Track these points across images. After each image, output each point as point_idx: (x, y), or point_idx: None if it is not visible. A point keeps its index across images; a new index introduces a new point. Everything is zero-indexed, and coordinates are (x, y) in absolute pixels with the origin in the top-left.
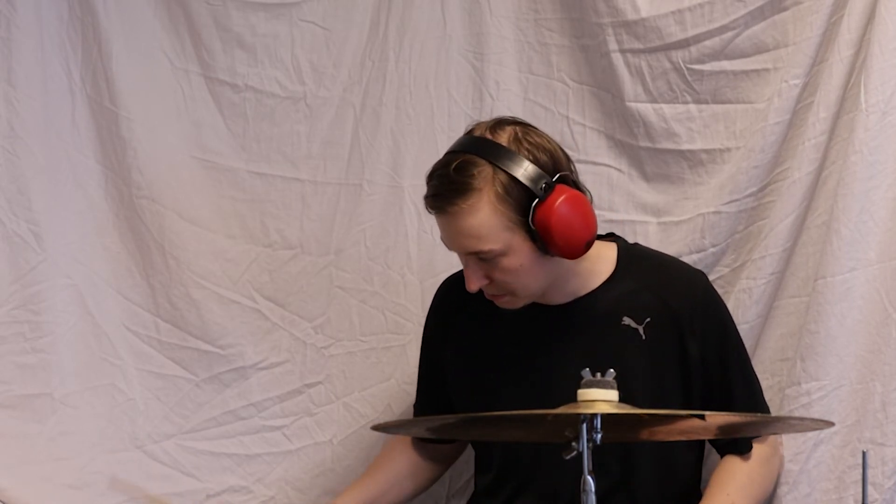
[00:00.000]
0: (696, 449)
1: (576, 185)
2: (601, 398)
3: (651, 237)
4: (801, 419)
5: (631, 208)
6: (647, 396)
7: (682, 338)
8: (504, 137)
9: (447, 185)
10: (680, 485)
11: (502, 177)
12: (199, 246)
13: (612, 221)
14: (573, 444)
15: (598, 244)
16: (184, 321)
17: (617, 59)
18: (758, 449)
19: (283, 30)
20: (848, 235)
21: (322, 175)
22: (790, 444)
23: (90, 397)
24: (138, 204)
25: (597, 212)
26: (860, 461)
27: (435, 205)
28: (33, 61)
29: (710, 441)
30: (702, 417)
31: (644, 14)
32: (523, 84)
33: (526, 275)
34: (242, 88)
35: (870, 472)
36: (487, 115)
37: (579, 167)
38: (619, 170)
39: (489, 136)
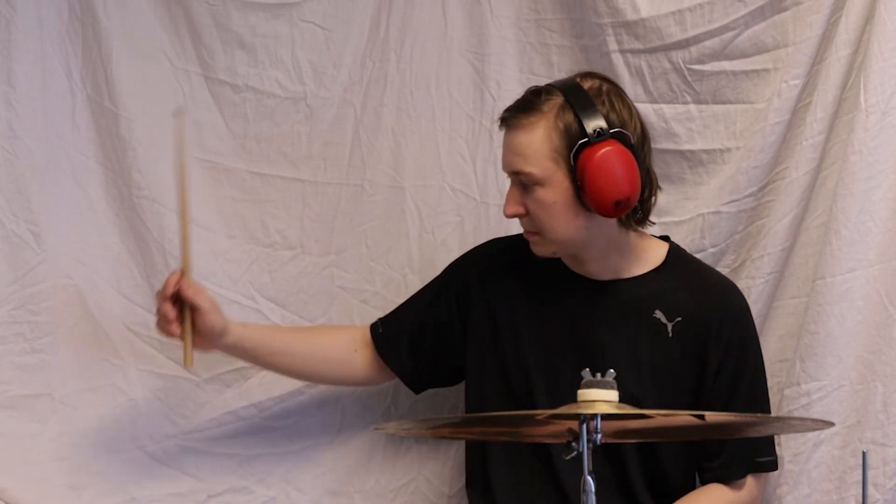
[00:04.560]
0: (688, 459)
1: (634, 150)
2: (601, 398)
3: None
4: (802, 419)
5: None
6: (655, 392)
7: (707, 345)
8: (588, 83)
9: (520, 102)
10: (673, 494)
11: (567, 111)
12: (199, 246)
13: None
14: (573, 444)
15: (650, 238)
16: None
17: (617, 59)
18: (741, 494)
19: (283, 30)
20: (847, 236)
21: (322, 175)
22: (790, 444)
23: (90, 398)
24: (138, 204)
25: None
26: (861, 462)
27: (503, 116)
28: (33, 62)
29: (697, 470)
30: (701, 417)
31: (644, 14)
32: (524, 84)
33: (558, 216)
34: (242, 89)
35: (871, 473)
36: (489, 116)
37: None
38: None
39: (577, 80)
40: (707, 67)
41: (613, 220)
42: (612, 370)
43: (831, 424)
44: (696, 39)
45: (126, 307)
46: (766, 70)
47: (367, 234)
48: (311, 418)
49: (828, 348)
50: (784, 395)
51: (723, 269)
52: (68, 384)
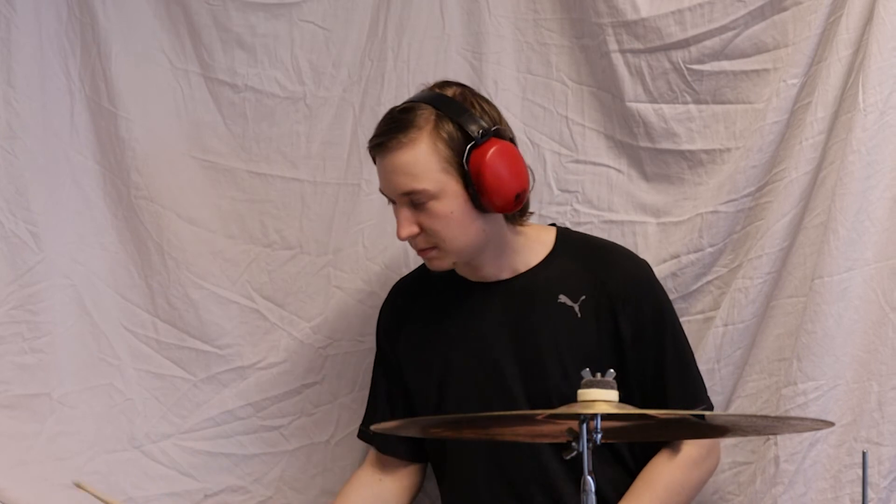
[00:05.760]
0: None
1: (514, 143)
2: (601, 398)
3: (650, 237)
4: (802, 419)
5: (630, 208)
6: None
7: (616, 317)
8: (450, 91)
9: (390, 124)
10: (624, 473)
11: (443, 119)
12: (197, 246)
13: (611, 222)
14: (573, 444)
15: (536, 227)
16: (182, 321)
17: (617, 59)
18: (689, 450)
19: (282, 30)
20: (845, 235)
21: (321, 175)
22: (786, 444)
23: (88, 397)
24: (137, 204)
25: (596, 212)
26: (856, 461)
27: (377, 143)
28: (32, 62)
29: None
30: (701, 418)
31: (644, 14)
32: (522, 84)
33: (456, 226)
34: (242, 88)
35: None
36: None
37: (579, 167)
38: (619, 170)
39: (436, 90)
40: (707, 67)
41: (501, 218)
42: (611, 370)
43: (831, 424)
44: (696, 39)
45: (123, 307)
46: (765, 70)
47: (364, 234)
48: (308, 418)
49: (825, 348)
50: (781, 395)
51: (721, 269)
52: (66, 384)
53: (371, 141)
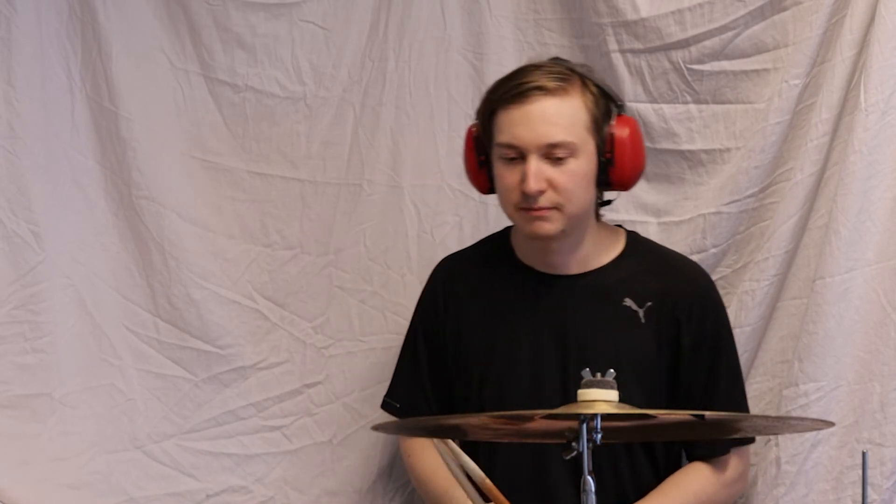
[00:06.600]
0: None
1: None
2: (601, 398)
3: (651, 238)
4: (801, 419)
5: (631, 208)
6: (636, 380)
7: (679, 327)
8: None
9: (544, 71)
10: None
11: (588, 80)
12: (198, 246)
13: (612, 222)
14: (573, 444)
15: (609, 226)
16: (183, 321)
17: (617, 59)
18: (729, 472)
19: (283, 30)
20: (846, 235)
21: (322, 175)
22: (787, 445)
23: (89, 397)
24: (137, 204)
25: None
26: (858, 462)
27: (528, 87)
28: (33, 61)
29: (684, 446)
30: (702, 417)
31: (644, 14)
32: None
33: (585, 189)
34: (242, 88)
35: (868, 473)
36: None
37: None
38: None
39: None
40: (707, 67)
41: (594, 204)
42: (612, 370)
43: (830, 424)
44: (696, 39)
45: (125, 307)
46: (766, 70)
47: (366, 234)
48: (309, 418)
49: (826, 348)
50: (783, 396)
51: (725, 270)
52: (68, 384)
53: (515, 87)
